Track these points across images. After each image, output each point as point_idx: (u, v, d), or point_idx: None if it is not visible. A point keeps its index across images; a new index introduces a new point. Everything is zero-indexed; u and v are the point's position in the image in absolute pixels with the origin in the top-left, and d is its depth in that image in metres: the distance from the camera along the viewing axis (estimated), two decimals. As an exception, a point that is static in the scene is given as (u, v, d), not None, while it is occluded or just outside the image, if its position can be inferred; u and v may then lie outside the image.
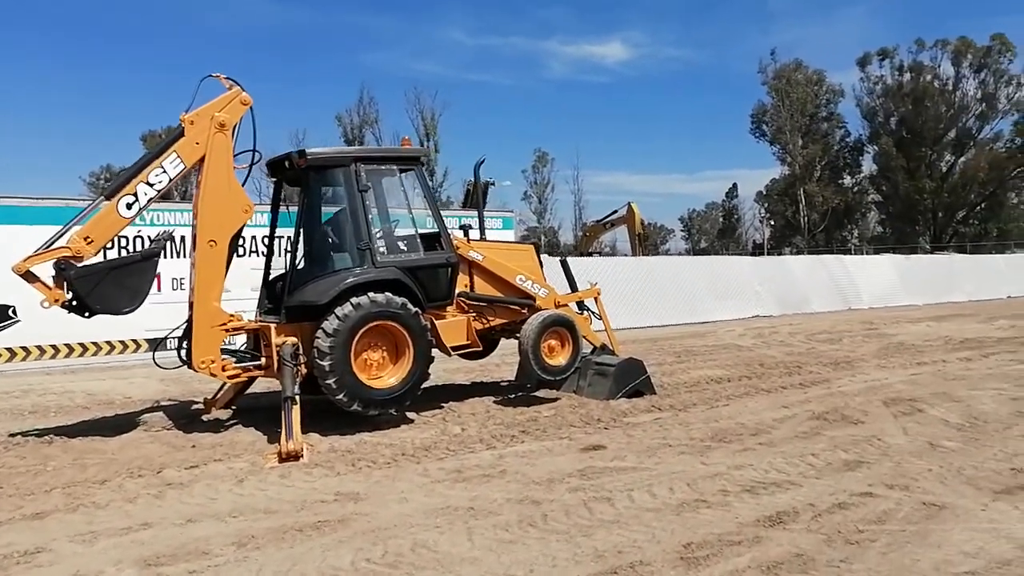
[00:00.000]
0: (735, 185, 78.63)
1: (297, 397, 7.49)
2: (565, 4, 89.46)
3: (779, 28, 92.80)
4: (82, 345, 14.03)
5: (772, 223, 66.25)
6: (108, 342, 14.21)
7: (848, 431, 7.51)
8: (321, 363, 7.74)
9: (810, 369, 11.94)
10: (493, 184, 36.50)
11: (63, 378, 12.69)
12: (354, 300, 7.90)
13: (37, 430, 8.35)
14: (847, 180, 64.48)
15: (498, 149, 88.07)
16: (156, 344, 8.79)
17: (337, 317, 7.81)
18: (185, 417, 8.98)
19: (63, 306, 7.50)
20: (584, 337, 9.79)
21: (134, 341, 14.29)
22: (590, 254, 38.34)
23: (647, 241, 43.49)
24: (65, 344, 13.90)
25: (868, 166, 63.53)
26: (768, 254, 51.81)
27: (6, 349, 13.40)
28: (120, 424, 8.66)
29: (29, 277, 7.39)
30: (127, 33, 76.86)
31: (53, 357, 13.83)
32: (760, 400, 9.41)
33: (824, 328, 19.33)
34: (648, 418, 8.45)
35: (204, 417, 8.98)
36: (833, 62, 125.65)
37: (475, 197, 10.77)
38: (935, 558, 4.28)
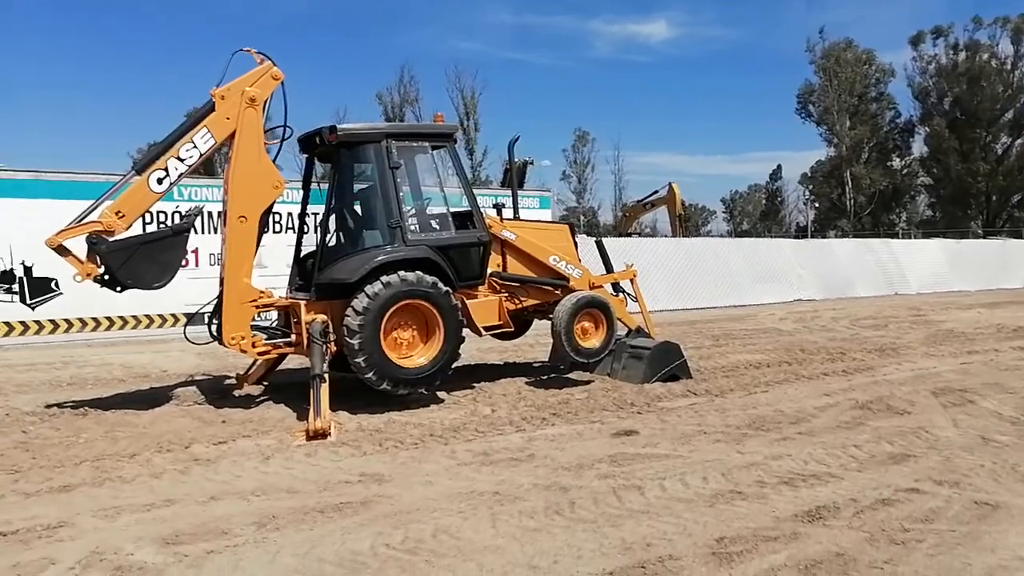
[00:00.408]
0: (779, 167, 77.05)
1: (326, 375, 7.41)
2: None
3: (826, 6, 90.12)
4: (122, 318, 14.21)
5: (817, 206, 64.76)
6: (147, 316, 14.38)
7: (893, 422, 7.20)
8: (350, 341, 7.66)
9: (854, 356, 11.55)
10: (531, 163, 36.13)
11: (103, 350, 12.86)
12: (384, 278, 7.79)
13: (73, 402, 8.43)
14: (896, 162, 62.59)
15: (538, 129, 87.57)
16: (188, 319, 8.77)
17: (367, 295, 7.71)
18: (217, 392, 8.99)
19: (95, 280, 7.52)
20: (619, 319, 9.56)
21: (172, 315, 14.42)
22: (630, 234, 37.82)
23: (687, 222, 42.91)
24: (106, 317, 14.09)
25: (918, 148, 61.64)
26: (812, 237, 50.63)
27: (49, 321, 13.64)
28: (154, 397, 8.71)
29: (61, 251, 7.41)
30: (173, 12, 77.61)
31: (94, 330, 14.04)
32: (800, 387, 9.11)
33: (869, 313, 18.79)
34: (683, 403, 8.23)
35: (236, 392, 8.99)
36: (884, 41, 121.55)
37: (510, 176, 10.55)
38: (988, 562, 4.02)
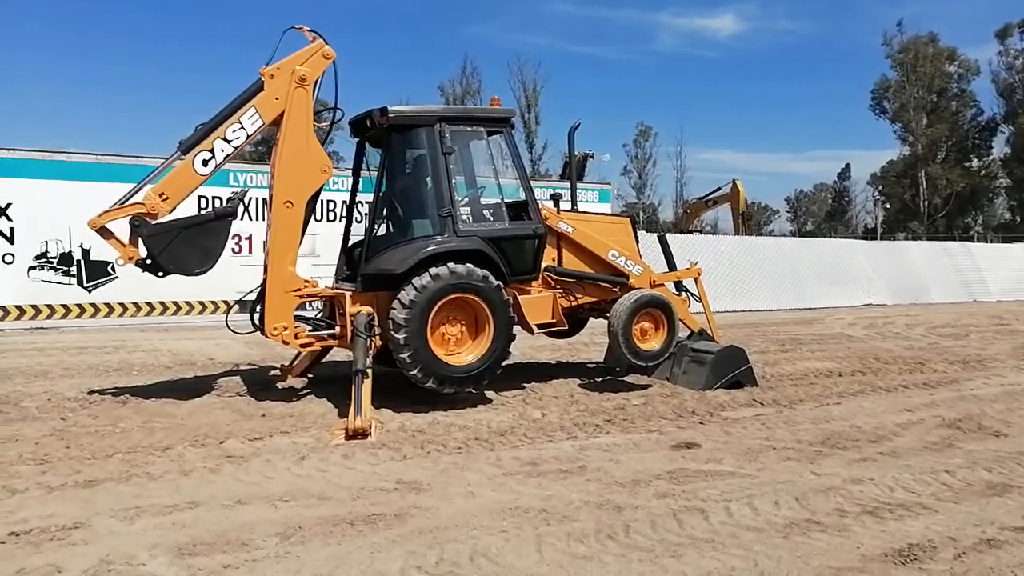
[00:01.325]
0: (848, 165, 74.57)
1: (369, 371, 7.05)
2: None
3: (905, 0, 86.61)
4: (176, 303, 14.23)
5: (888, 207, 62.31)
6: (200, 302, 14.36)
7: (988, 445, 6.47)
8: (396, 335, 7.28)
9: (934, 367, 10.71)
10: (592, 157, 35.46)
11: (155, 336, 12.85)
12: (433, 270, 7.39)
13: (115, 389, 8.27)
14: (975, 163, 59.75)
15: (600, 123, 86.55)
16: (230, 307, 8.53)
17: (414, 287, 7.32)
18: (260, 383, 8.74)
19: (137, 264, 7.31)
20: (681, 320, 8.97)
21: (225, 302, 14.35)
22: (690, 232, 36.87)
23: (750, 221, 41.63)
24: (160, 302, 14.12)
25: (999, 148, 58.71)
26: (881, 239, 48.63)
27: (104, 304, 13.72)
28: (196, 387, 8.50)
29: (104, 233, 7.21)
30: (236, 7, 79.02)
31: (148, 314, 14.08)
32: (878, 400, 8.39)
33: (947, 321, 17.69)
34: (749, 413, 7.62)
35: (279, 384, 8.73)
36: (965, 37, 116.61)
37: (569, 165, 10.06)
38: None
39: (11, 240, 13.15)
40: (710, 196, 36.74)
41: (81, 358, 10.48)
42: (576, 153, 30.78)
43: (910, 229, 57.98)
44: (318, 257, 13.34)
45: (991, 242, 42.67)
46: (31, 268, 13.16)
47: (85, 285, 13.55)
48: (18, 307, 13.25)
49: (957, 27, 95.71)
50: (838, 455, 6.12)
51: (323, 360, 9.16)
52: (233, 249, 14.77)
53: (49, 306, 13.32)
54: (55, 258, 13.24)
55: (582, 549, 4.15)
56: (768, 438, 6.64)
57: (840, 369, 10.41)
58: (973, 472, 5.67)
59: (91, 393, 8.02)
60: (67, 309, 13.41)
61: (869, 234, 59.19)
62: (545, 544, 4.19)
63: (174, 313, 14.19)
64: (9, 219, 13.16)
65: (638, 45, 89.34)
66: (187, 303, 14.24)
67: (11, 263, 13.15)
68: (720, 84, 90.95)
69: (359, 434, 6.44)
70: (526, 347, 11.23)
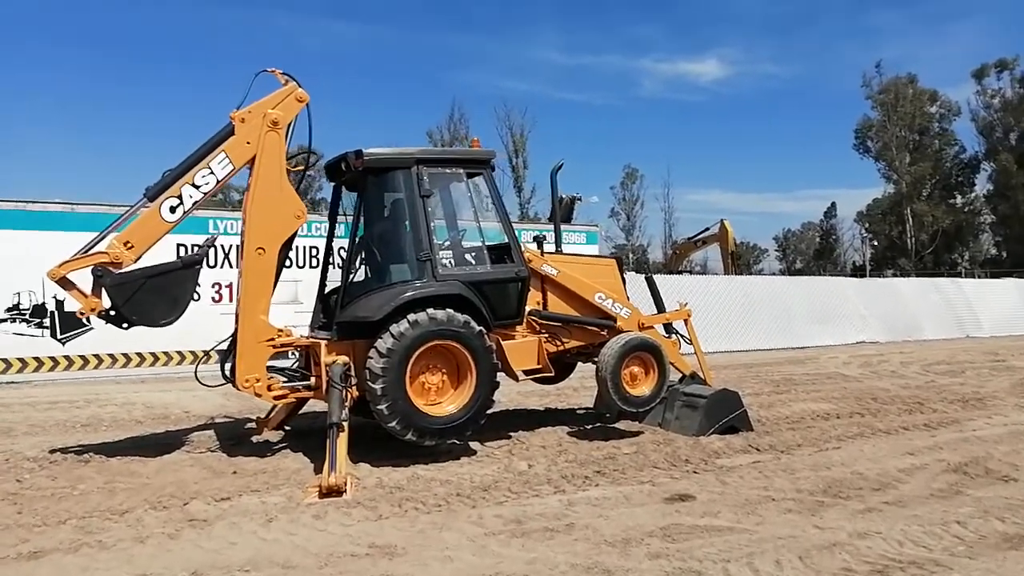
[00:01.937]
0: (833, 204, 74.87)
1: (345, 424, 6.69)
2: (660, 21, 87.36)
3: (883, 43, 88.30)
4: (153, 355, 13.83)
5: (875, 244, 62.58)
6: (179, 352, 13.95)
7: (998, 491, 6.14)
8: (373, 386, 6.93)
9: (933, 407, 10.40)
10: (580, 200, 35.51)
11: (130, 388, 12.43)
12: (412, 317, 7.08)
13: (80, 447, 7.86)
14: (959, 199, 60.28)
15: (587, 166, 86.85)
16: (199, 359, 8.16)
17: (392, 335, 7.00)
18: (235, 437, 8.36)
19: (100, 316, 6.98)
20: (672, 364, 8.66)
21: (204, 352, 13.94)
22: (680, 272, 36.82)
23: (739, 260, 41.61)
24: (137, 353, 13.73)
25: (982, 185, 59.28)
26: (869, 276, 48.65)
27: (79, 356, 13.30)
28: (167, 442, 8.11)
29: (65, 284, 6.90)
30: (224, 56, 79.54)
31: (124, 366, 13.67)
32: (879, 443, 8.06)
33: (942, 358, 17.43)
34: (745, 460, 7.27)
35: (254, 438, 8.36)
36: (943, 78, 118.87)
37: (552, 206, 9.86)
38: None
39: (-18, 292, 12.80)
40: (699, 236, 36.79)
41: (49, 414, 10.05)
42: (563, 195, 30.87)
43: (898, 265, 58.13)
44: (301, 304, 13.01)
45: (978, 277, 42.74)
46: (2, 321, 12.78)
47: (59, 337, 13.16)
48: (-10, 362, 12.85)
49: (934, 67, 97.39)
50: (841, 505, 5.77)
51: (301, 412, 8.79)
52: (213, 298, 14.48)
53: (21, 359, 12.91)
54: (27, 310, 12.88)
55: (568, 622, 3.78)
56: (766, 487, 6.28)
57: (838, 411, 10.09)
58: (986, 522, 5.33)
59: (53, 452, 7.61)
60: (39, 362, 13.00)
61: (857, 271, 59.34)
62: (527, 617, 3.82)
63: (151, 364, 13.78)
64: (-21, 271, 12.83)
65: (623, 91, 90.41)
66: (165, 353, 13.84)
67: (-18, 316, 12.77)
68: (706, 127, 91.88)
69: (333, 492, 6.06)
70: (513, 393, 10.87)
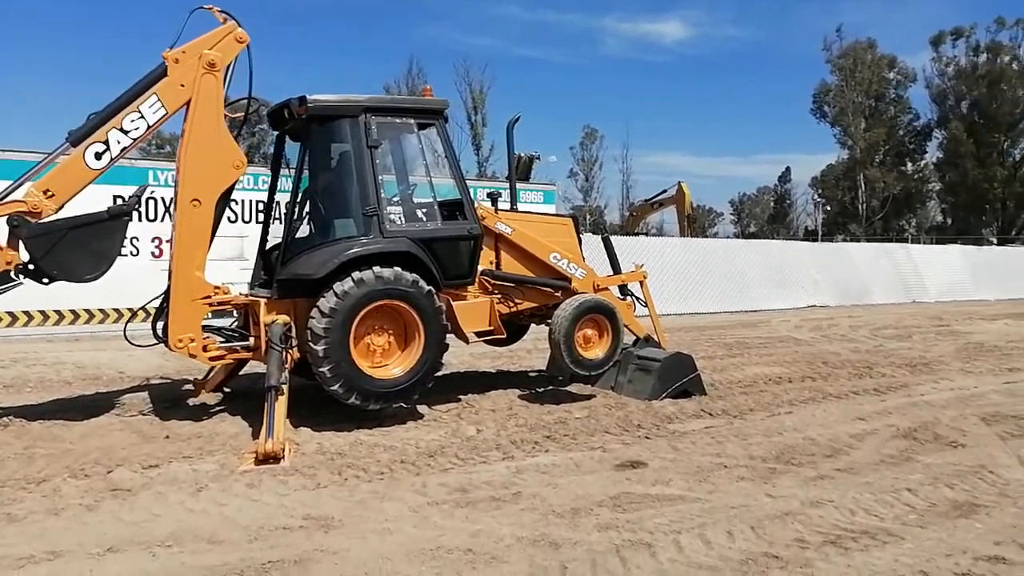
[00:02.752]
0: (788, 169, 75.75)
1: (284, 387, 6.37)
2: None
3: (844, 8, 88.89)
4: (88, 311, 13.19)
5: (828, 209, 63.51)
6: (116, 309, 13.33)
7: (947, 457, 6.11)
8: (315, 347, 6.60)
9: (882, 371, 10.46)
10: (538, 159, 35.03)
11: (62, 347, 11.84)
12: (356, 275, 6.73)
13: (1, 410, 7.38)
14: (909, 166, 61.32)
15: (547, 125, 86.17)
16: (129, 318, 7.69)
17: (335, 294, 6.65)
18: (170, 400, 7.96)
19: (17, 270, 6.46)
20: (626, 326, 8.48)
21: (144, 310, 13.38)
22: (636, 234, 36.80)
23: (695, 223, 41.72)
24: (71, 310, 13.07)
25: (933, 152, 60.38)
26: (821, 241, 49.39)
27: (7, 313, 12.60)
28: (97, 404, 7.68)
29: None
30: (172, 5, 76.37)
31: (57, 323, 13.02)
32: (830, 408, 8.02)
33: (889, 322, 17.69)
34: (698, 425, 7.16)
35: (191, 401, 7.97)
36: (902, 45, 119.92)
37: (508, 161, 9.50)
38: None
39: None
40: (656, 198, 36.69)
41: (-29, 373, 9.49)
42: (521, 154, 30.28)
43: (849, 231, 59.15)
44: (246, 261, 12.47)
45: (924, 243, 43.68)
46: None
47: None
48: (-94, 317, 12.11)
49: (893, 33, 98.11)
50: (793, 472, 5.67)
51: (241, 373, 8.40)
52: (153, 253, 13.86)
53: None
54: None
55: (511, 600, 3.57)
56: (719, 454, 6.16)
57: (789, 375, 10.08)
58: (935, 490, 5.28)
59: (-31, 415, 7.12)
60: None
61: (809, 236, 60.20)
62: (468, 595, 3.60)
63: (87, 322, 13.15)
64: None
65: (585, 49, 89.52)
66: (101, 311, 13.21)
67: None
68: (667, 88, 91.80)
69: (270, 458, 5.76)
70: (465, 355, 10.63)
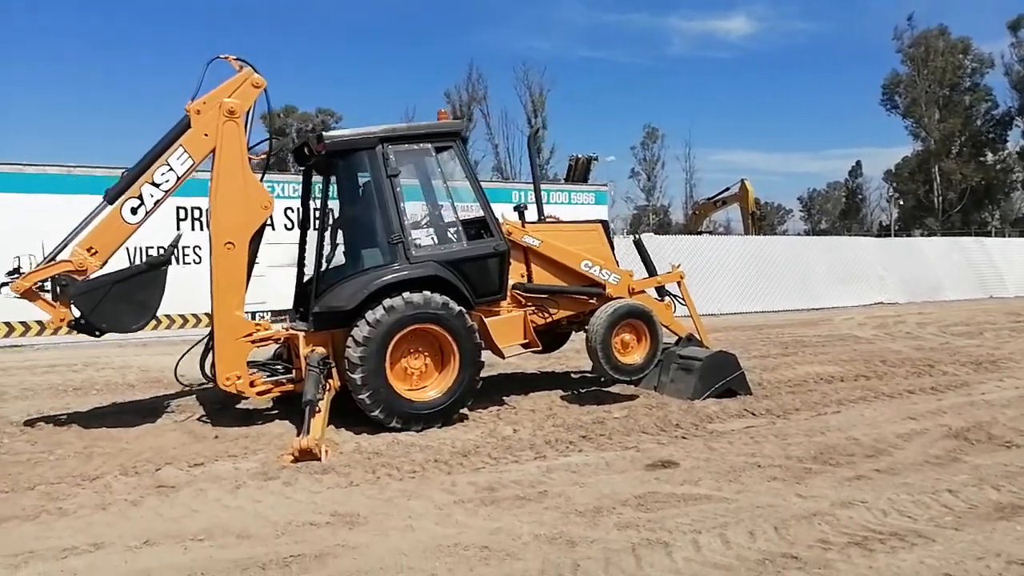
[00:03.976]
0: (859, 163, 73.56)
1: (320, 403, 6.55)
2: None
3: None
4: (156, 318, 13.75)
5: (901, 203, 61.27)
6: (181, 316, 13.92)
7: (998, 458, 5.87)
8: (352, 376, 6.74)
9: (944, 369, 10.08)
10: (596, 160, 35.00)
11: (131, 351, 12.42)
12: (387, 302, 6.83)
13: (66, 411, 7.82)
14: (990, 157, 58.59)
15: (607, 126, 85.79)
16: (180, 357, 7.98)
17: (368, 323, 6.78)
18: (222, 402, 8.24)
19: (70, 325, 6.85)
20: (666, 327, 8.41)
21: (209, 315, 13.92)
22: (700, 232, 36.31)
23: (763, 221, 40.85)
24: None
25: (1015, 141, 57.54)
26: (896, 236, 47.68)
27: (82, 321, 13.27)
28: (155, 407, 8.08)
29: (30, 295, 6.79)
30: (237, 22, 79.05)
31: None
32: (880, 407, 7.79)
33: (960, 319, 16.99)
34: (738, 425, 7.06)
35: (242, 404, 8.24)
36: (976, 30, 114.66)
37: (532, 174, 9.52)
38: None
39: (-19, 256, 12.79)
40: (719, 196, 36.24)
41: (45, 377, 10.06)
42: (579, 156, 30.16)
43: (925, 225, 56.93)
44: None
45: (1009, 236, 41.67)
46: (2, 284, 12.74)
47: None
48: (-9, 325, 12.92)
49: (968, 20, 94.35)
50: (829, 473, 5.54)
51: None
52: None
53: (23, 323, 12.94)
54: (43, 260, 12.81)
55: (518, 596, 3.62)
56: (754, 454, 6.06)
57: (842, 374, 9.81)
58: (980, 491, 5.08)
59: (31, 420, 7.49)
60: (42, 326, 12.99)
61: (884, 231, 58.25)
62: (476, 591, 3.66)
63: (154, 328, 13.73)
64: (-21, 234, 12.80)
65: (649, 49, 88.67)
66: (168, 317, 13.81)
67: (-18, 280, 12.78)
68: (733, 85, 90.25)
69: (308, 455, 5.94)
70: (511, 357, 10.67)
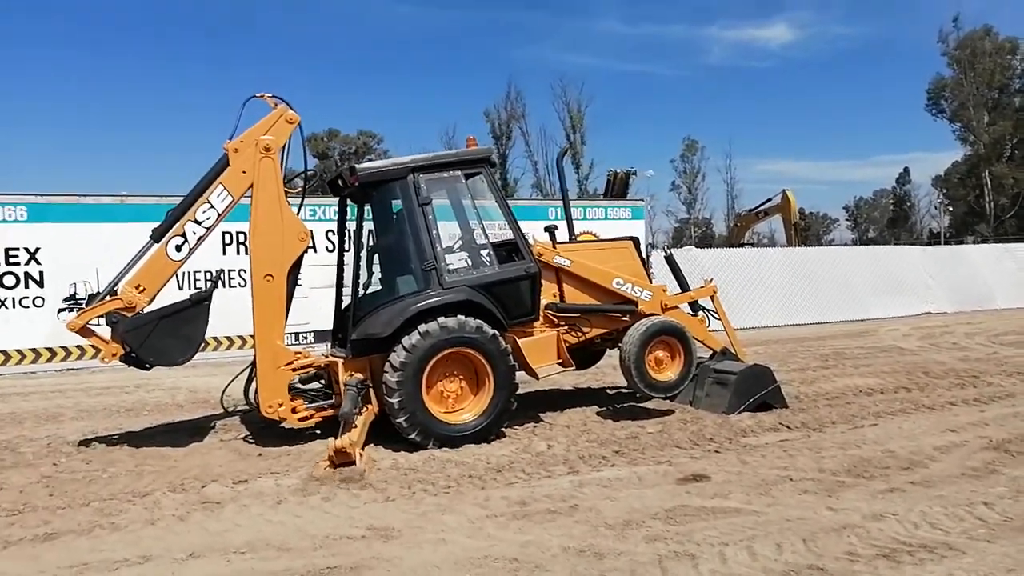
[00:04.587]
0: (906, 169, 71.89)
1: (356, 418, 6.77)
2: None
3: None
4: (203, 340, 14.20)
5: (951, 209, 59.81)
6: (228, 337, 14.33)
7: (1037, 470, 5.78)
8: (390, 400, 6.93)
9: (989, 380, 9.89)
10: (635, 174, 35.01)
11: (180, 372, 12.72)
12: (422, 327, 7.01)
13: (119, 432, 8.16)
14: (1042, 159, 56.93)
15: (646, 139, 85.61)
16: (226, 386, 8.31)
17: (404, 348, 6.95)
18: (267, 422, 8.49)
19: (122, 360, 7.24)
20: (701, 341, 8.44)
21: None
22: (742, 245, 36.00)
23: (807, 231, 40.29)
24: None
25: (1071, 143, 55.77)
26: (947, 244, 46.53)
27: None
28: (202, 426, 8.38)
29: (85, 332, 7.18)
30: (277, 45, 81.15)
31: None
32: (919, 420, 7.70)
33: (1011, 328, 16.59)
34: (772, 439, 7.05)
35: (287, 423, 8.48)
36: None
37: (562, 194, 9.62)
38: None
39: (40, 283, 13.45)
40: (760, 208, 35.91)
41: (99, 399, 10.47)
42: (617, 170, 30.15)
43: (977, 232, 55.46)
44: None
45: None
46: (60, 310, 13.29)
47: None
48: (49, 349, 13.51)
49: (1016, 19, 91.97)
50: (863, 486, 5.53)
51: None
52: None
53: (79, 347, 13.44)
54: (83, 299, 13.32)
55: (544, 607, 3.72)
56: (787, 467, 6.07)
57: (883, 386, 9.70)
58: (1016, 503, 5.03)
59: (84, 441, 7.80)
60: (97, 349, 13.48)
61: (935, 239, 56.90)
62: (504, 601, 3.77)
63: (202, 349, 14.16)
64: (38, 262, 13.46)
65: (688, 59, 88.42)
66: (215, 339, 14.24)
67: (41, 306, 13.42)
68: (774, 93, 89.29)
69: (343, 456, 6.14)
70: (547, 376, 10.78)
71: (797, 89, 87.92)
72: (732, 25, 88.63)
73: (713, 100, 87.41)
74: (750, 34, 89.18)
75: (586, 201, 20.63)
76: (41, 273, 13.49)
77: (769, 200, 34.72)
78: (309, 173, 8.07)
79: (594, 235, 16.96)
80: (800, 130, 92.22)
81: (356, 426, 6.67)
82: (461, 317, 7.15)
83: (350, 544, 4.65)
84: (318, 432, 7.98)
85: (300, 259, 7.57)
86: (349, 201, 8.29)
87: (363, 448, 6.64)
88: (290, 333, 13.76)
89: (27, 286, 13.59)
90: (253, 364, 7.60)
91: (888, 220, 75.58)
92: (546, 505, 5.32)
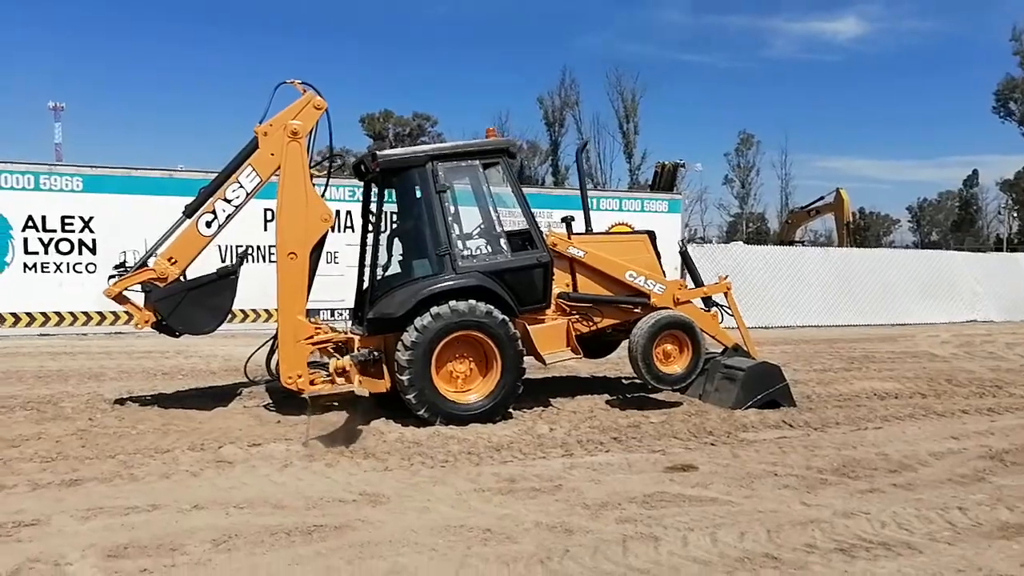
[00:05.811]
0: (975, 172, 69.52)
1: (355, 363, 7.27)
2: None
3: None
4: (243, 312, 14.81)
5: (1015, 214, 57.77)
6: (266, 310, 14.89)
7: (1025, 480, 5.82)
8: (401, 377, 7.26)
9: (1011, 391, 9.78)
10: (683, 167, 34.72)
11: (219, 341, 13.29)
12: (434, 310, 7.31)
13: (153, 394, 8.70)
14: (1120, 165, 54.56)
15: (701, 131, 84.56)
16: (249, 356, 8.79)
17: (416, 328, 7.27)
18: (291, 391, 8.93)
19: (154, 327, 7.74)
20: (713, 336, 8.57)
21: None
22: (792, 243, 35.50)
23: (866, 231, 39.40)
24: (239, 309, 14.73)
25: None
26: (1013, 251, 44.97)
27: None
28: (229, 393, 8.85)
29: (120, 299, 7.73)
30: (346, 27, 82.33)
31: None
32: (925, 426, 7.73)
33: (1056, 340, 16.14)
34: (771, 435, 7.18)
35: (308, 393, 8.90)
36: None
37: (580, 187, 9.75)
38: None
39: (93, 251, 14.24)
40: (812, 206, 35.37)
41: (139, 362, 11.09)
42: (666, 162, 29.94)
43: (1045, 239, 53.52)
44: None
45: None
46: (110, 277, 13.96)
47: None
48: (99, 313, 14.27)
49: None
50: (844, 485, 5.65)
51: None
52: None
53: (127, 312, 14.16)
54: (132, 267, 14.10)
55: (504, 573, 3.99)
56: (776, 463, 6.21)
57: (900, 391, 9.68)
58: (991, 511, 5.10)
59: (119, 401, 8.33)
60: (130, 316, 14.19)
61: (1000, 245, 55.07)
62: (467, 566, 4.06)
63: (241, 321, 14.80)
64: (91, 231, 14.22)
65: (748, 51, 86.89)
66: (254, 311, 14.83)
67: (93, 272, 14.18)
68: (839, 88, 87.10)
69: (343, 374, 6.90)
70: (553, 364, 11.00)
71: (863, 84, 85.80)
72: (798, 17, 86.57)
73: (772, 93, 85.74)
74: (817, 27, 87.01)
75: (621, 192, 20.64)
76: (94, 241, 14.29)
77: (822, 198, 34.16)
78: (334, 156, 8.41)
79: (629, 226, 17.05)
80: (863, 127, 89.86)
81: (359, 361, 7.20)
82: (472, 301, 7.42)
83: (340, 507, 4.99)
84: (335, 404, 8.39)
85: (323, 239, 7.92)
86: (373, 185, 8.62)
87: (358, 377, 7.27)
88: (326, 309, 14.35)
89: (80, 252, 14.40)
90: (275, 337, 7.99)
91: (952, 223, 73.29)
92: (532, 484, 5.59)
